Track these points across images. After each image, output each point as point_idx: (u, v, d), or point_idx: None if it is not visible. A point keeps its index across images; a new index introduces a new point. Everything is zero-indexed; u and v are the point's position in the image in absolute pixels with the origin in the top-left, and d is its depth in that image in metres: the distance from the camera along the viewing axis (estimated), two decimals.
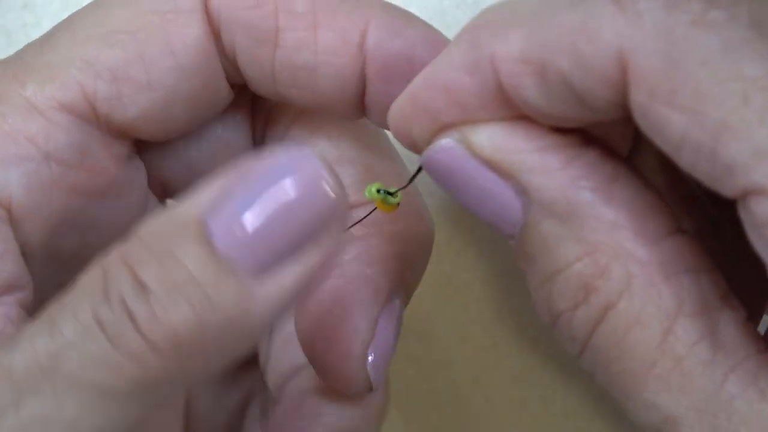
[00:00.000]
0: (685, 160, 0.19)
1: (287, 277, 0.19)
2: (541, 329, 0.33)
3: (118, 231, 0.22)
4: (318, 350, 0.24)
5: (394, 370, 0.32)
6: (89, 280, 0.19)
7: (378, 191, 0.22)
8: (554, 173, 0.21)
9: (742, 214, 0.19)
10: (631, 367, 0.20)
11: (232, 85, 0.23)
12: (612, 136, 0.23)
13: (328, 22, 0.21)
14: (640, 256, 0.20)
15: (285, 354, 0.26)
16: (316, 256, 0.19)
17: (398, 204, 0.23)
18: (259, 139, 0.26)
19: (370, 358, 0.23)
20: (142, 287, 0.18)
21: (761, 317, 0.24)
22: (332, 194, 0.19)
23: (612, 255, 0.20)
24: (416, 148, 0.22)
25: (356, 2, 0.21)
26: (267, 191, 0.19)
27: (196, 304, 0.18)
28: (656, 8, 0.18)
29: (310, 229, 0.19)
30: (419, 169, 0.21)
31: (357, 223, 0.24)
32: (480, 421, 0.32)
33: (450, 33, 0.34)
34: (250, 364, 0.27)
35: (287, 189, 0.19)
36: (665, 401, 0.20)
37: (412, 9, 0.32)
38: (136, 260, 0.18)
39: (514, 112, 0.21)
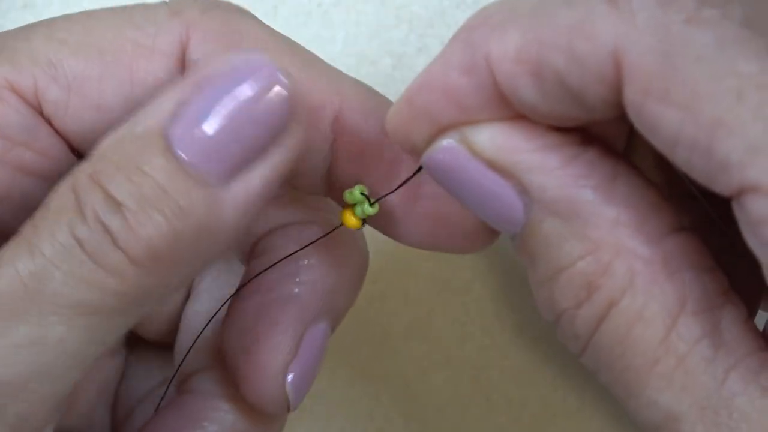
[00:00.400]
0: (679, 158, 0.19)
1: (254, 179, 0.20)
2: (541, 329, 0.33)
3: None
4: (238, 363, 0.24)
5: (394, 370, 0.32)
6: (61, 200, 0.19)
7: (361, 194, 0.22)
8: (555, 172, 0.21)
9: (737, 212, 0.19)
10: (633, 364, 0.20)
11: None
12: (607, 136, 0.23)
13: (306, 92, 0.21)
14: (642, 253, 0.20)
15: (198, 352, 0.26)
16: (280, 156, 0.20)
17: (364, 220, 0.22)
18: None
19: (289, 377, 0.23)
20: (115, 203, 0.18)
21: (755, 314, 0.24)
22: (288, 93, 0.19)
23: (614, 253, 0.20)
24: (415, 151, 0.22)
25: (333, 79, 0.22)
26: (224, 97, 0.19)
27: (169, 214, 0.19)
28: (650, 6, 0.18)
29: (271, 131, 0.20)
30: (418, 169, 0.21)
31: (314, 242, 0.24)
32: (480, 421, 0.32)
33: (450, 33, 0.34)
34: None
35: (244, 92, 0.19)
36: (667, 399, 0.20)
37: (413, 8, 0.32)
38: (105, 177, 0.18)
39: (512, 112, 0.21)
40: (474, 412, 0.32)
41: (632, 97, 0.19)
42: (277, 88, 0.19)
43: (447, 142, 0.22)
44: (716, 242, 0.23)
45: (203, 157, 0.19)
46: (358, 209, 0.22)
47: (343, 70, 0.33)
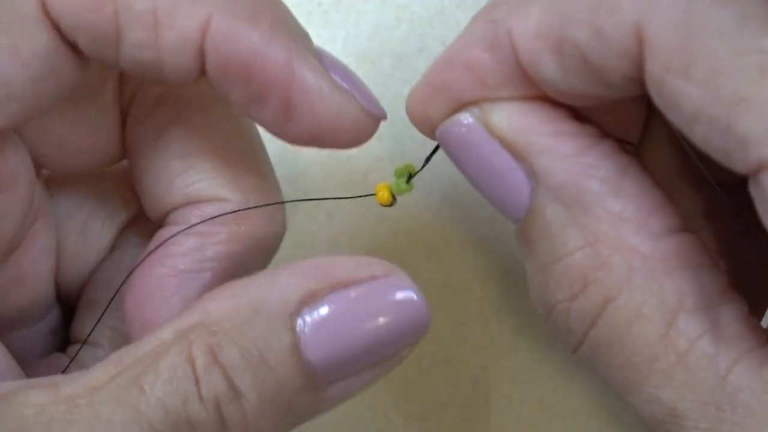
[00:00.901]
0: (698, 135, 0.19)
1: (356, 383, 0.20)
2: (541, 329, 0.33)
3: (10, 222, 0.22)
4: (134, 327, 0.24)
5: (394, 370, 0.32)
6: (173, 366, 0.18)
7: (407, 172, 0.22)
8: (567, 159, 0.21)
9: (753, 192, 0.18)
10: (633, 361, 0.20)
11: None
12: (624, 122, 0.23)
13: (168, 21, 0.20)
14: (643, 250, 0.20)
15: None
16: (384, 369, 0.20)
17: (394, 198, 0.22)
18: (124, 113, 0.26)
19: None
20: (236, 393, 0.18)
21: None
22: (427, 320, 0.20)
23: (614, 247, 0.20)
24: (433, 130, 0.22)
25: None
26: (363, 312, 0.19)
27: (280, 410, 0.19)
28: None
29: (397, 347, 0.20)
30: (437, 147, 0.21)
31: (220, 216, 0.24)
32: (480, 421, 0.32)
33: (450, 33, 0.34)
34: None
35: (383, 312, 0.19)
36: (669, 395, 0.20)
37: (413, 8, 0.32)
38: (230, 364, 0.18)
39: (533, 89, 0.21)
40: (474, 412, 0.32)
41: (653, 72, 0.19)
42: (412, 314, 0.20)
43: (464, 116, 0.22)
44: (727, 232, 0.23)
45: (326, 363, 0.19)
46: (394, 185, 0.22)
47: None
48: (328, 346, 0.19)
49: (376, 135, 0.32)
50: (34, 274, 0.25)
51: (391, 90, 0.33)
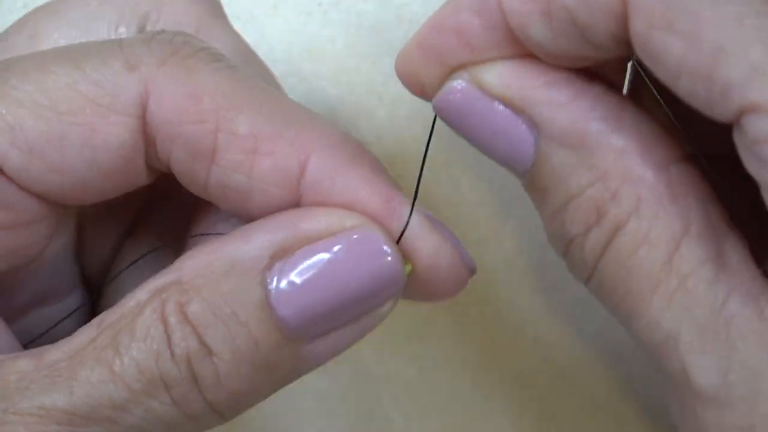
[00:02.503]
0: (683, 88, 0.19)
1: (339, 340, 0.20)
2: (542, 329, 0.33)
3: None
4: None
5: (395, 370, 0.32)
6: (147, 326, 0.19)
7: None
8: (564, 105, 0.21)
9: (737, 139, 0.19)
10: (636, 286, 0.21)
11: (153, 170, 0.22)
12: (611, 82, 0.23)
13: (267, 148, 0.20)
14: (648, 179, 0.21)
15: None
16: (370, 323, 0.20)
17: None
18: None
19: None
20: (208, 350, 0.18)
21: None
22: (396, 270, 0.19)
23: (622, 179, 0.21)
24: (426, 93, 0.22)
25: (302, 130, 0.20)
26: (332, 265, 0.19)
27: (258, 368, 0.19)
28: None
29: (371, 302, 0.20)
30: (435, 118, 0.21)
31: None
32: (480, 422, 0.32)
33: None
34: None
35: (353, 263, 0.19)
36: (668, 319, 0.20)
37: (413, 8, 0.32)
38: (200, 321, 0.18)
39: (523, 51, 0.21)
40: (474, 412, 0.32)
41: (638, 29, 0.19)
42: (386, 267, 0.19)
43: (457, 82, 0.22)
44: (717, 186, 0.23)
45: (300, 318, 0.19)
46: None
47: (344, 69, 0.33)
48: (300, 301, 0.19)
49: (376, 134, 0.32)
50: (51, 254, 0.24)
51: (392, 90, 0.33)
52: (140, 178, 0.22)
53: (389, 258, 0.19)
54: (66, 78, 0.20)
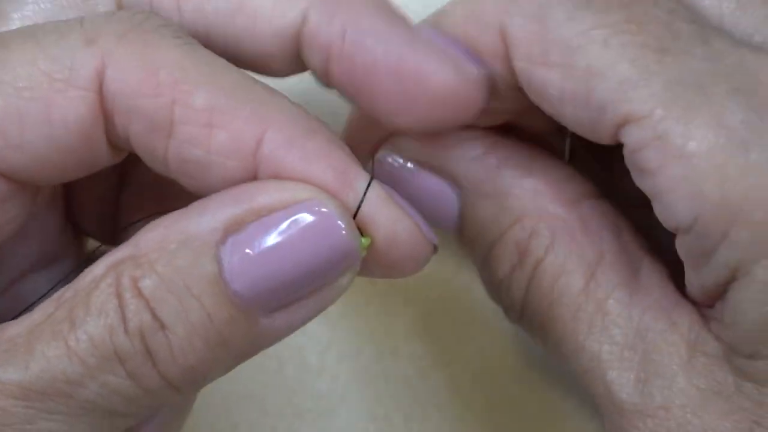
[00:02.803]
0: (568, 118, 0.21)
1: (297, 314, 0.20)
2: None
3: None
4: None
5: (395, 370, 0.32)
6: (102, 300, 0.19)
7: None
8: (477, 158, 0.23)
9: (626, 160, 0.20)
10: (559, 314, 0.22)
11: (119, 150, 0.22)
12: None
13: (224, 122, 0.20)
14: (561, 215, 0.22)
15: None
16: (329, 296, 0.20)
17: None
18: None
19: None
20: (161, 324, 0.18)
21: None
22: (348, 243, 0.19)
23: (537, 218, 0.22)
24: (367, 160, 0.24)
25: (259, 105, 0.20)
26: (286, 238, 0.19)
27: (212, 342, 0.19)
28: None
29: (326, 275, 0.20)
30: (370, 181, 0.21)
31: None
32: (480, 422, 0.32)
33: None
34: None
35: (305, 236, 0.19)
36: (589, 342, 0.22)
37: (413, 7, 0.32)
38: (153, 295, 0.18)
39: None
40: (474, 412, 0.32)
41: (519, 66, 0.21)
42: (339, 241, 0.19)
43: (381, 153, 0.24)
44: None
45: (253, 291, 0.19)
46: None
47: None
48: (253, 275, 0.19)
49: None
50: (35, 227, 0.24)
51: None
52: (103, 156, 0.21)
53: (342, 231, 0.19)
54: (25, 54, 0.20)
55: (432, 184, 0.24)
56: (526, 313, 0.23)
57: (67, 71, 0.20)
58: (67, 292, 0.19)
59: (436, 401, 0.32)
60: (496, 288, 0.24)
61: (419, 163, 0.24)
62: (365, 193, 0.20)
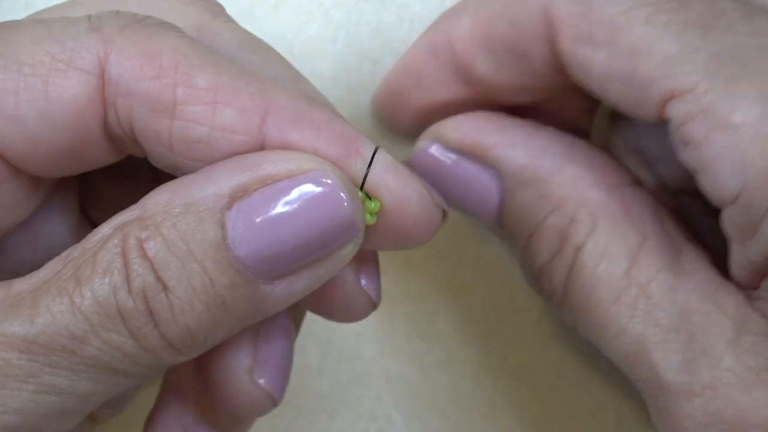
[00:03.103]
0: (613, 95, 0.21)
1: (299, 282, 0.20)
2: (543, 330, 0.33)
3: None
4: (207, 378, 0.23)
5: (396, 370, 0.32)
6: (108, 260, 0.19)
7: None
8: (518, 145, 0.23)
9: (672, 136, 0.21)
10: (601, 300, 0.22)
11: (120, 152, 0.22)
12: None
13: (228, 99, 0.20)
14: (602, 200, 0.23)
15: None
16: (330, 267, 0.20)
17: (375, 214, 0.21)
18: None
19: (261, 381, 0.23)
20: (163, 285, 0.19)
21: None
22: (351, 214, 0.20)
23: (578, 203, 0.23)
24: (399, 130, 0.25)
25: (261, 85, 0.21)
26: (289, 205, 0.19)
27: (212, 306, 0.19)
28: None
29: (327, 245, 0.20)
30: (374, 153, 0.21)
31: None
32: (481, 422, 0.32)
33: None
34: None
35: (308, 206, 0.19)
36: (633, 325, 0.22)
37: (414, 8, 0.32)
38: (157, 257, 0.19)
39: (475, 89, 0.24)
40: (475, 412, 0.32)
41: (564, 47, 0.21)
42: (341, 212, 0.19)
43: (422, 143, 0.25)
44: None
45: (256, 258, 0.19)
46: (365, 208, 0.21)
47: (344, 69, 0.33)
48: (256, 241, 0.19)
49: (376, 134, 0.32)
50: (43, 224, 0.25)
51: None
52: (98, 148, 0.22)
53: (345, 203, 0.19)
54: (31, 33, 0.21)
55: (473, 173, 0.24)
56: (567, 300, 0.23)
57: (69, 53, 0.20)
58: (74, 251, 0.20)
59: (436, 401, 0.32)
60: (536, 275, 0.24)
61: (460, 152, 0.24)
62: (372, 159, 0.20)
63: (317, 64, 0.33)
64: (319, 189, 0.19)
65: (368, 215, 0.21)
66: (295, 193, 0.19)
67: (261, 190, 0.19)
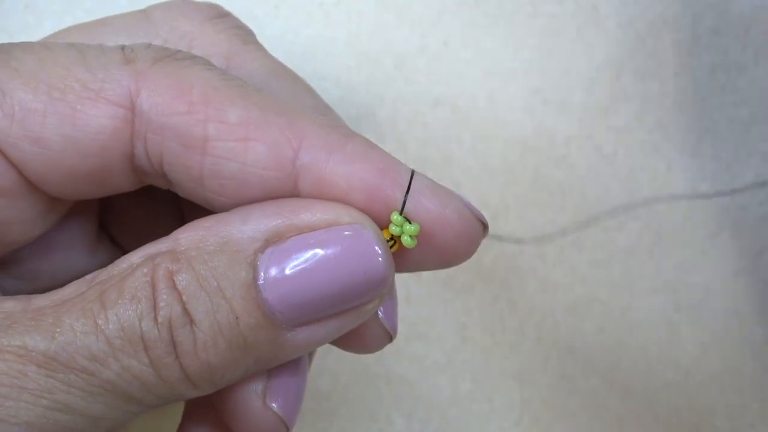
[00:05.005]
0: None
1: (320, 331, 0.20)
2: (542, 330, 0.33)
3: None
4: (221, 406, 0.23)
5: (396, 371, 0.32)
6: (136, 287, 0.19)
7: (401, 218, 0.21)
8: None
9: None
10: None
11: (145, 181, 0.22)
12: None
13: (260, 135, 0.20)
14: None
15: None
16: (353, 320, 0.20)
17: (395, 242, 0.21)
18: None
19: (274, 406, 0.23)
20: (189, 319, 0.19)
21: None
22: (384, 269, 0.20)
23: None
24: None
25: (293, 116, 0.21)
26: (324, 257, 0.19)
27: (234, 344, 0.19)
28: None
29: (357, 298, 0.20)
30: (411, 177, 0.21)
31: None
32: (481, 422, 0.32)
33: (451, 33, 0.34)
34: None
35: (343, 258, 0.20)
36: None
37: (414, 8, 0.32)
38: (186, 290, 0.19)
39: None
40: (475, 412, 0.32)
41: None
42: (375, 267, 0.20)
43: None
44: None
45: (284, 303, 0.19)
46: (404, 232, 0.21)
47: (344, 69, 0.33)
48: (287, 287, 0.19)
49: (376, 134, 0.32)
50: (62, 242, 0.25)
51: (393, 89, 0.33)
52: (122, 177, 0.22)
53: (379, 258, 0.20)
54: (64, 58, 0.21)
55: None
56: None
57: (100, 83, 0.20)
58: (101, 275, 0.20)
59: (436, 401, 0.32)
60: None
61: None
62: (410, 184, 0.20)
63: (317, 64, 0.33)
64: (354, 242, 0.20)
65: (408, 238, 0.21)
66: (330, 243, 0.19)
67: (296, 237, 0.20)
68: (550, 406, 0.32)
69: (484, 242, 0.33)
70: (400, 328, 0.32)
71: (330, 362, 0.32)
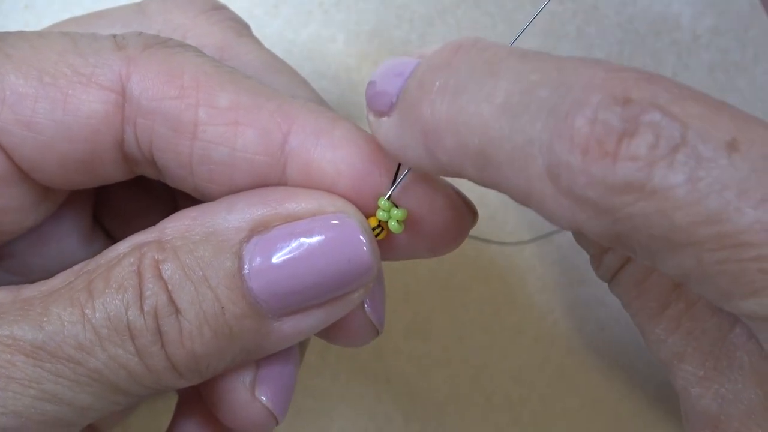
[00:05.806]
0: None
1: (306, 321, 0.20)
2: (541, 329, 0.33)
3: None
4: (210, 399, 0.23)
5: (395, 370, 0.32)
6: (123, 276, 0.19)
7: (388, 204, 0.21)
8: None
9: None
10: (648, 306, 0.22)
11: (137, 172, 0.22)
12: None
13: (250, 119, 0.20)
14: None
15: None
16: (338, 310, 0.20)
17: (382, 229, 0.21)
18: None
19: (263, 398, 0.23)
20: (175, 308, 0.19)
21: None
22: (369, 258, 0.20)
23: None
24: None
25: (282, 103, 0.21)
26: (309, 246, 0.19)
27: (219, 334, 0.19)
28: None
29: (342, 286, 0.20)
30: (407, 170, 0.21)
31: None
32: (480, 421, 0.32)
33: (450, 32, 0.34)
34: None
35: (328, 246, 0.19)
36: (674, 340, 0.21)
37: (414, 8, 0.32)
38: (172, 279, 0.19)
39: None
40: (474, 411, 0.32)
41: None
42: (361, 254, 0.19)
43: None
44: None
45: (269, 292, 0.19)
46: (391, 217, 0.21)
47: (344, 69, 0.33)
48: (272, 277, 0.19)
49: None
50: (54, 232, 0.25)
51: None
52: (112, 165, 0.22)
53: (364, 247, 0.20)
54: (57, 45, 0.21)
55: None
56: (615, 286, 0.24)
57: (91, 68, 0.21)
58: (88, 265, 0.20)
59: (436, 401, 0.32)
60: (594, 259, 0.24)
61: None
62: (397, 170, 0.20)
63: (317, 63, 0.33)
64: (339, 231, 0.19)
65: (395, 223, 0.20)
66: (315, 232, 0.19)
67: (281, 227, 0.19)
68: (549, 405, 0.32)
69: (483, 244, 0.33)
70: (399, 326, 0.33)
71: (329, 361, 0.32)
